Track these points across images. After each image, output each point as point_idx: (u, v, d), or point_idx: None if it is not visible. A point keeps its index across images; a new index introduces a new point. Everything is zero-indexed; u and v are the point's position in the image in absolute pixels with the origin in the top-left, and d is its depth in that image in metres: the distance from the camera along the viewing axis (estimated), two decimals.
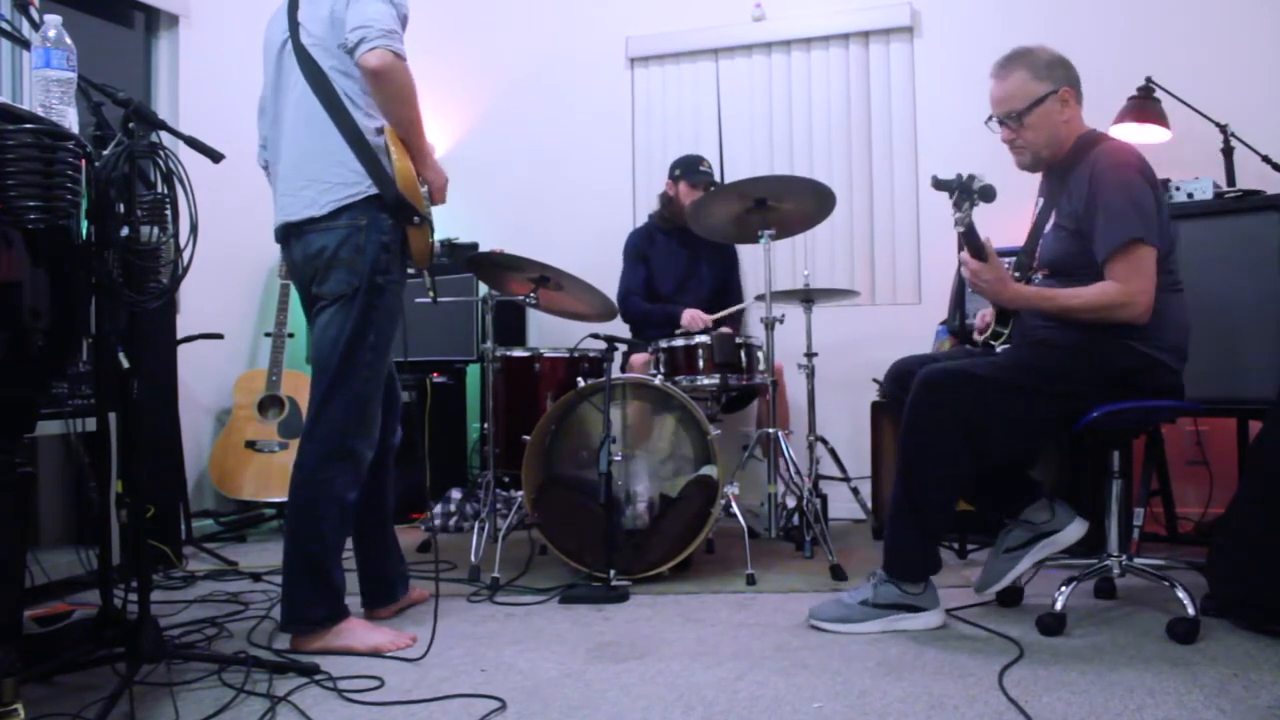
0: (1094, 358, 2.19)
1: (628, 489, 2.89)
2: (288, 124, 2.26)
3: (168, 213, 1.84)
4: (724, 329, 3.73)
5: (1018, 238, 2.54)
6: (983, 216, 2.25)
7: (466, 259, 3.33)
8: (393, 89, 2.13)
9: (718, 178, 4.12)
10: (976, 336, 2.55)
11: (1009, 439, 2.26)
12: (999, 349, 2.42)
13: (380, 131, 2.21)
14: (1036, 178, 2.46)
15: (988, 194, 2.19)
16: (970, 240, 2.24)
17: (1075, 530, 2.32)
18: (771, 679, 1.93)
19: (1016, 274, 2.40)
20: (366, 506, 2.34)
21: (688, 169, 3.85)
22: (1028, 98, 2.30)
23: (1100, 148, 2.26)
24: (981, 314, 2.59)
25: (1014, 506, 2.38)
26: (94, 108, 1.85)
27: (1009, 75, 2.33)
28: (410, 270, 2.33)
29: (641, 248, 3.95)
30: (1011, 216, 2.78)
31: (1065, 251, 2.28)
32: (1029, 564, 2.32)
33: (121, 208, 1.76)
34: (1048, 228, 2.36)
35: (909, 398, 2.23)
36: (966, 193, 2.20)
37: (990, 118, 2.38)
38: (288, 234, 2.27)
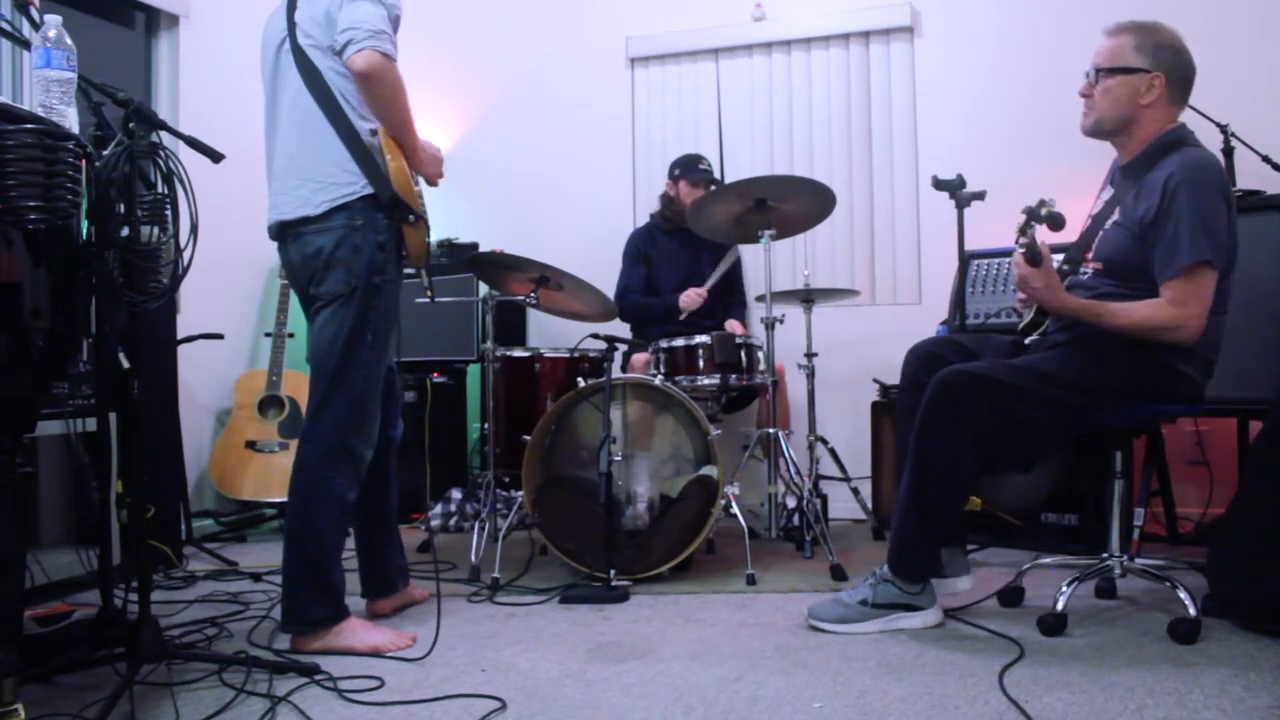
0: (1123, 371, 2.16)
1: (628, 489, 2.88)
2: (283, 123, 2.27)
3: (168, 213, 1.84)
4: (729, 324, 3.74)
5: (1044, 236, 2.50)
6: (983, 216, 2.21)
7: (466, 259, 3.32)
8: (381, 90, 2.14)
9: (718, 177, 4.12)
10: (1020, 307, 2.47)
11: (1019, 444, 2.25)
12: (1031, 339, 2.37)
13: (375, 132, 2.22)
14: (1075, 172, 2.41)
15: (1056, 221, 2.11)
16: (1030, 254, 2.18)
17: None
18: (771, 679, 1.93)
19: (1066, 267, 2.34)
20: (370, 498, 2.35)
21: (687, 168, 3.85)
22: (1117, 61, 2.26)
23: (1183, 155, 2.19)
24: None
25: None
26: (94, 108, 1.85)
27: (1117, 35, 2.28)
28: (409, 270, 2.34)
29: (643, 248, 3.95)
30: (1007, 216, 2.76)
31: (1124, 251, 2.22)
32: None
33: (121, 208, 1.76)
34: (1109, 222, 2.29)
35: (925, 398, 2.19)
36: (1035, 217, 2.14)
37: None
38: (283, 233, 2.28)
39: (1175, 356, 2.15)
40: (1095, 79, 2.29)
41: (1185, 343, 2.12)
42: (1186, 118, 3.26)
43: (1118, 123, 2.28)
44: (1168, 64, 2.24)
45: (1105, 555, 2.33)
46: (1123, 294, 2.20)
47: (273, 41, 2.31)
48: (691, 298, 3.67)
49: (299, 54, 2.22)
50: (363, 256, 2.18)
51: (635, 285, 3.89)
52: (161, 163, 1.84)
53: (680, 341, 3.16)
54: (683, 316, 3.65)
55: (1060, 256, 2.35)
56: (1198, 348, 2.16)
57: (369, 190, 2.19)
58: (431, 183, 2.38)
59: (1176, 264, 2.10)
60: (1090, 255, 2.32)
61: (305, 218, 2.20)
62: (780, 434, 3.15)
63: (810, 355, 3.51)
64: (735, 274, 4.07)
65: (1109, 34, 2.30)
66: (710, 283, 3.67)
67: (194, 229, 1.84)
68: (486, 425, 3.18)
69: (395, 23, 2.17)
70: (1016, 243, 2.19)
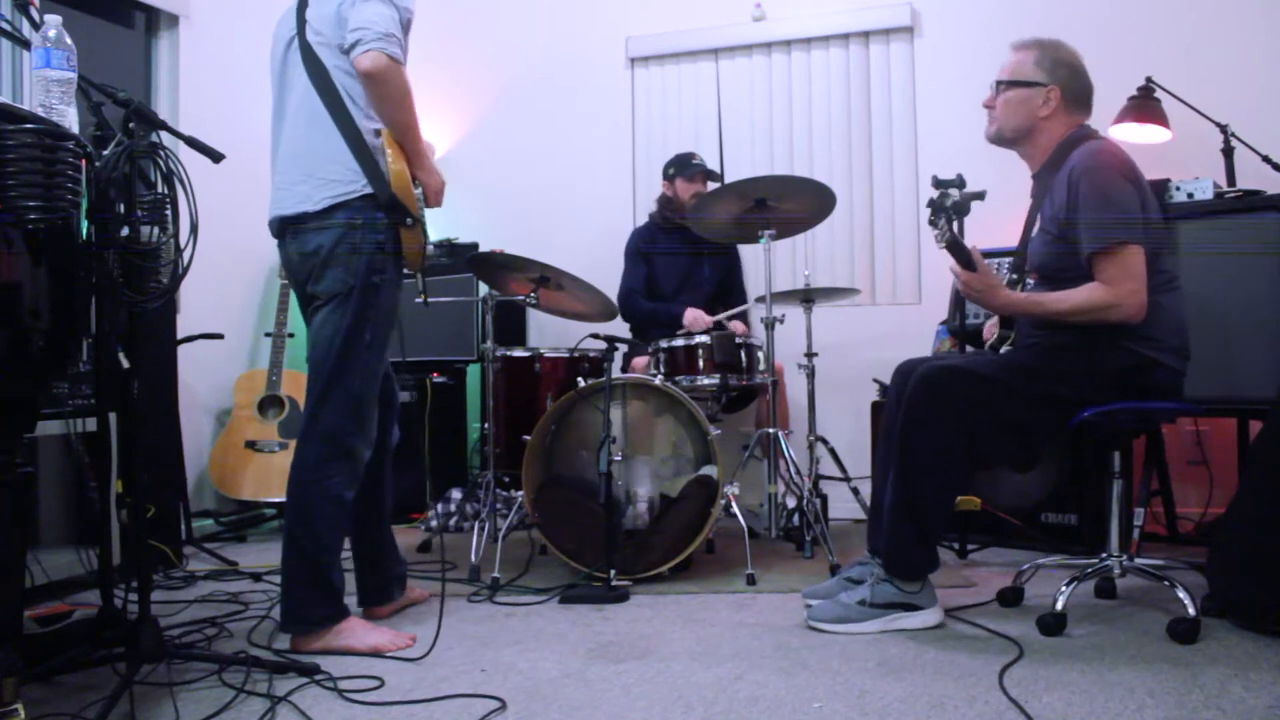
0: (1092, 360, 2.18)
1: (628, 489, 2.89)
2: (289, 120, 2.28)
3: (168, 213, 1.84)
4: (730, 324, 3.74)
5: (1012, 238, 2.54)
6: (979, 217, 2.24)
7: (466, 259, 3.32)
8: (385, 91, 2.14)
9: (714, 170, 4.11)
10: (986, 337, 2.54)
11: (1008, 440, 2.26)
12: (1005, 349, 2.42)
13: (379, 133, 2.22)
14: (1028, 177, 2.46)
15: (962, 209, 2.20)
16: (957, 253, 2.23)
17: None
18: (771, 679, 1.93)
19: (1013, 276, 2.40)
20: (364, 506, 2.34)
21: (681, 165, 3.85)
22: (1017, 75, 2.35)
23: (1083, 148, 2.25)
24: (989, 323, 2.59)
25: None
26: (94, 108, 1.85)
27: (1021, 50, 2.38)
28: (405, 272, 2.34)
29: (643, 247, 3.96)
30: (1007, 216, 2.77)
31: (1051, 255, 2.28)
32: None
33: (121, 208, 1.76)
34: (1035, 230, 2.36)
35: (908, 393, 2.23)
36: (940, 210, 2.18)
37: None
38: (282, 229, 2.29)
39: (1138, 342, 2.17)
40: (997, 91, 2.38)
41: (1130, 320, 2.14)
42: (1186, 117, 3.32)
43: (1016, 132, 2.37)
44: (1064, 79, 2.33)
45: (1105, 555, 2.33)
46: None
47: (283, 38, 2.31)
48: (697, 321, 3.65)
49: (307, 51, 2.22)
50: (362, 255, 2.18)
51: (638, 286, 3.89)
52: (161, 163, 1.84)
53: (680, 342, 3.17)
54: (680, 334, 3.66)
55: (1005, 263, 2.40)
56: (1159, 330, 2.18)
57: (368, 190, 2.19)
58: (429, 203, 2.35)
59: (1094, 248, 2.15)
60: (1028, 267, 2.39)
61: (305, 214, 2.20)
62: (780, 434, 3.15)
63: (810, 355, 3.50)
64: (735, 276, 4.07)
65: (1014, 49, 2.40)
66: (720, 318, 3.66)
67: (194, 229, 1.84)
68: (486, 425, 3.18)
69: (406, 26, 2.18)
70: (935, 238, 2.25)
